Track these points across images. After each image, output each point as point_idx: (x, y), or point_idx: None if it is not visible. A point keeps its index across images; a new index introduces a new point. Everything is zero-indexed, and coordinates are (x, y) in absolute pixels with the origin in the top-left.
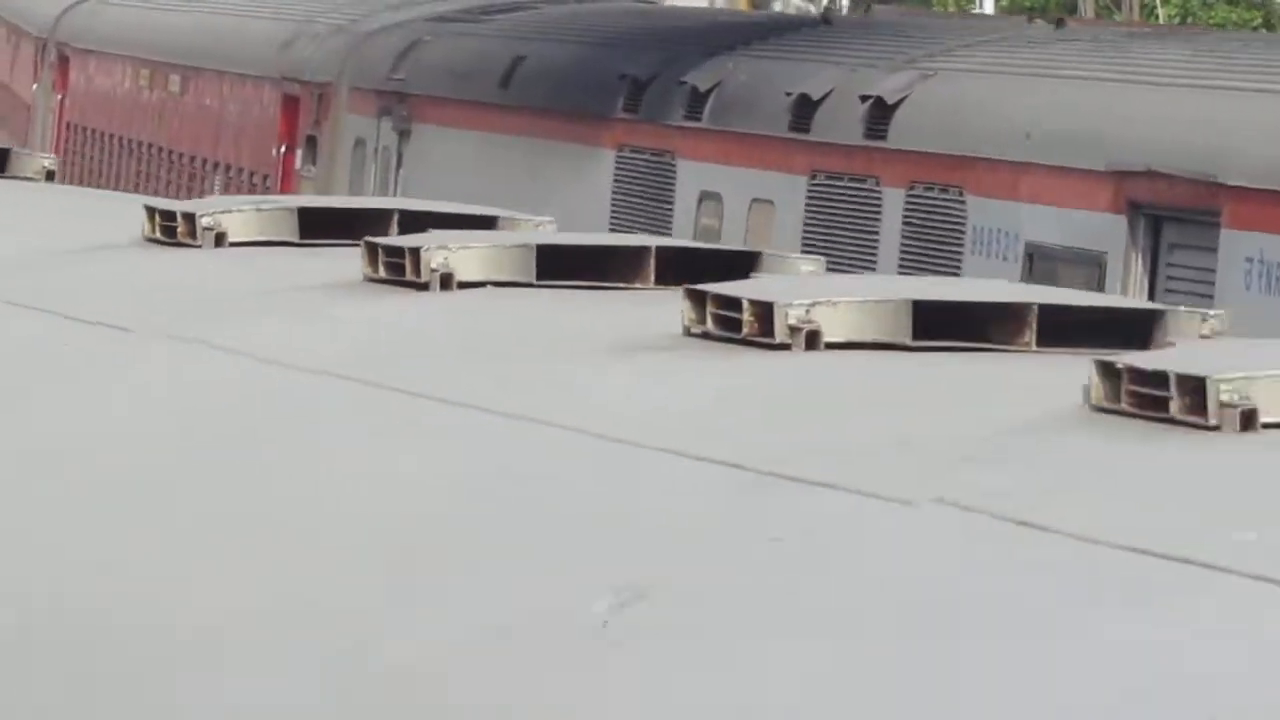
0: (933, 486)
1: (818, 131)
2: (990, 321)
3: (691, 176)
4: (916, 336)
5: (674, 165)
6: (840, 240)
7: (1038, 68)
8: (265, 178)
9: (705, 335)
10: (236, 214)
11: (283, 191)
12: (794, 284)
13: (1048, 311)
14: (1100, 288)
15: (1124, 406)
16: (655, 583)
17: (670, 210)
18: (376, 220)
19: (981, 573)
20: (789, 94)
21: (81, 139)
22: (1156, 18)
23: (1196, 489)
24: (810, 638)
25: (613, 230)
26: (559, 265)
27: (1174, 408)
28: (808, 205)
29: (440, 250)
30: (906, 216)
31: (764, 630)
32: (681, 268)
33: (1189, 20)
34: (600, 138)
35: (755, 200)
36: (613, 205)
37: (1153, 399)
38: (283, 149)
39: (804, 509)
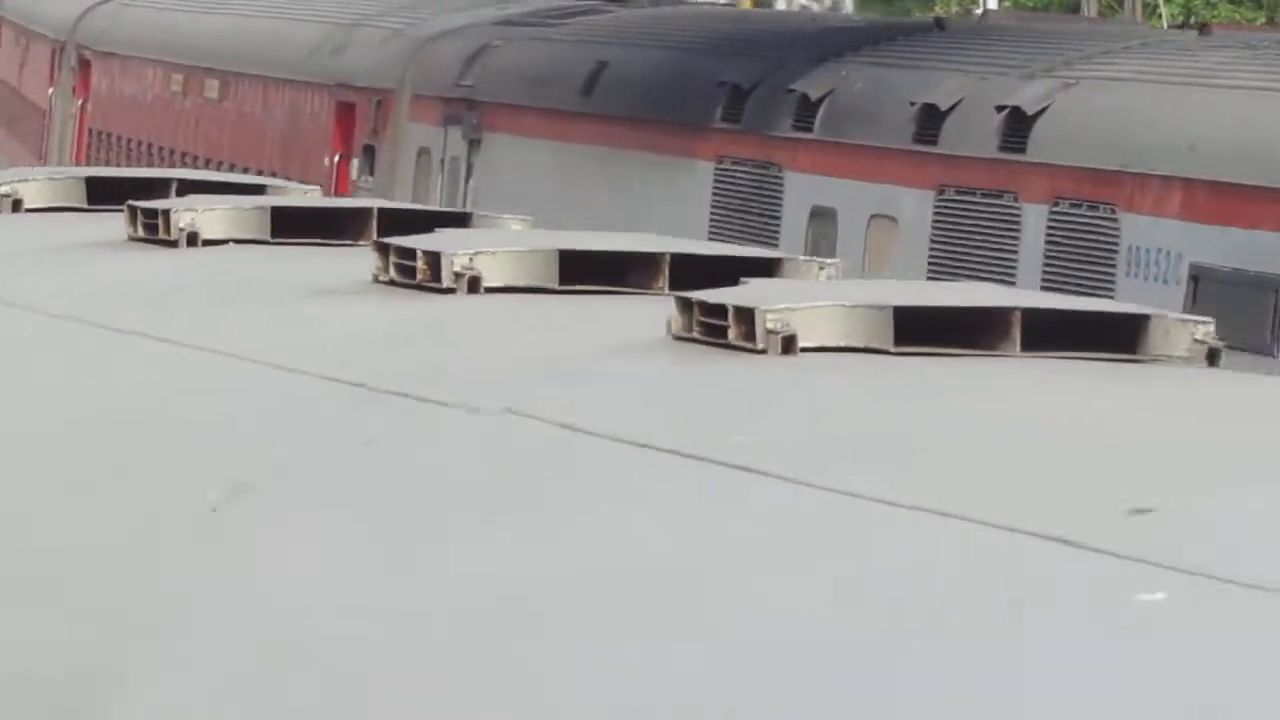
0: (507, 399)
1: (947, 143)
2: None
3: (801, 190)
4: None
5: (781, 178)
6: (973, 258)
7: (1194, 76)
8: (318, 188)
9: (391, 282)
10: (32, 183)
11: None
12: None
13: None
14: (1276, 314)
15: (696, 335)
16: (263, 477)
17: (777, 225)
18: (160, 188)
19: (513, 465)
20: (913, 103)
21: (106, 146)
22: (1159, 17)
23: (724, 401)
24: (379, 522)
25: (710, 239)
26: (293, 226)
27: (731, 335)
28: (935, 221)
29: (188, 212)
30: (1050, 235)
31: (347, 517)
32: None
33: (1192, 19)
34: (696, 148)
35: (875, 216)
36: (711, 219)
37: (718, 328)
38: (337, 158)
39: (399, 419)
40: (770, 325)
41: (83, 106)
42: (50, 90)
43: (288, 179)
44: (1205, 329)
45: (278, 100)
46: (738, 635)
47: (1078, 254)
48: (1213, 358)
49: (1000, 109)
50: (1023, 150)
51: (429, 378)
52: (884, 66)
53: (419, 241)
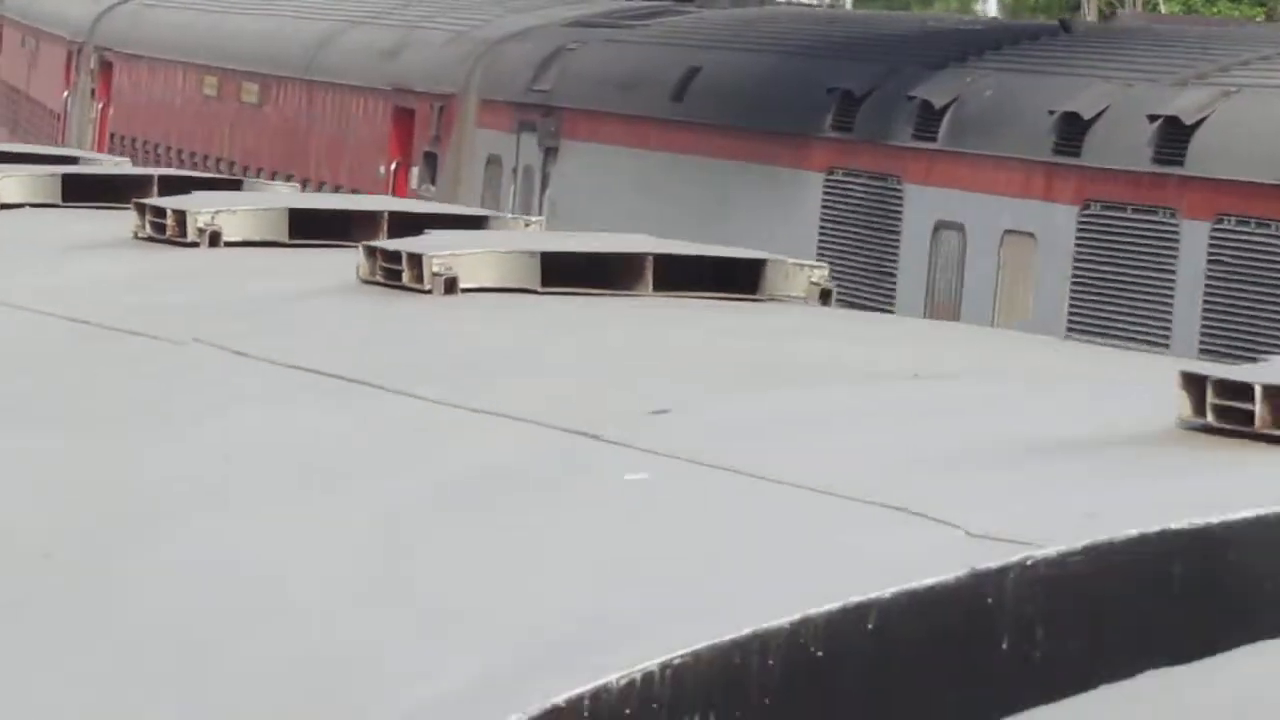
0: (199, 332)
1: (1091, 154)
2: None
3: (924, 203)
4: None
5: (900, 190)
6: (1124, 277)
7: None
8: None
9: (149, 239)
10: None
11: None
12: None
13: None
14: None
15: (378, 279)
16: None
17: (896, 239)
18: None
19: (188, 383)
20: (1051, 112)
21: (129, 151)
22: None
23: (383, 332)
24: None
25: (820, 256)
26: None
27: (405, 278)
28: (1079, 238)
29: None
30: (1213, 253)
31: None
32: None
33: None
34: (803, 158)
35: (1009, 232)
36: (820, 232)
37: (395, 272)
38: (394, 166)
39: (111, 351)
40: (435, 269)
41: (104, 110)
42: (65, 93)
43: (337, 186)
44: (820, 273)
45: (326, 104)
46: (326, 515)
47: (1245, 274)
48: (825, 297)
49: (1153, 118)
50: (1181, 163)
51: (154, 313)
52: (1013, 72)
53: (171, 203)
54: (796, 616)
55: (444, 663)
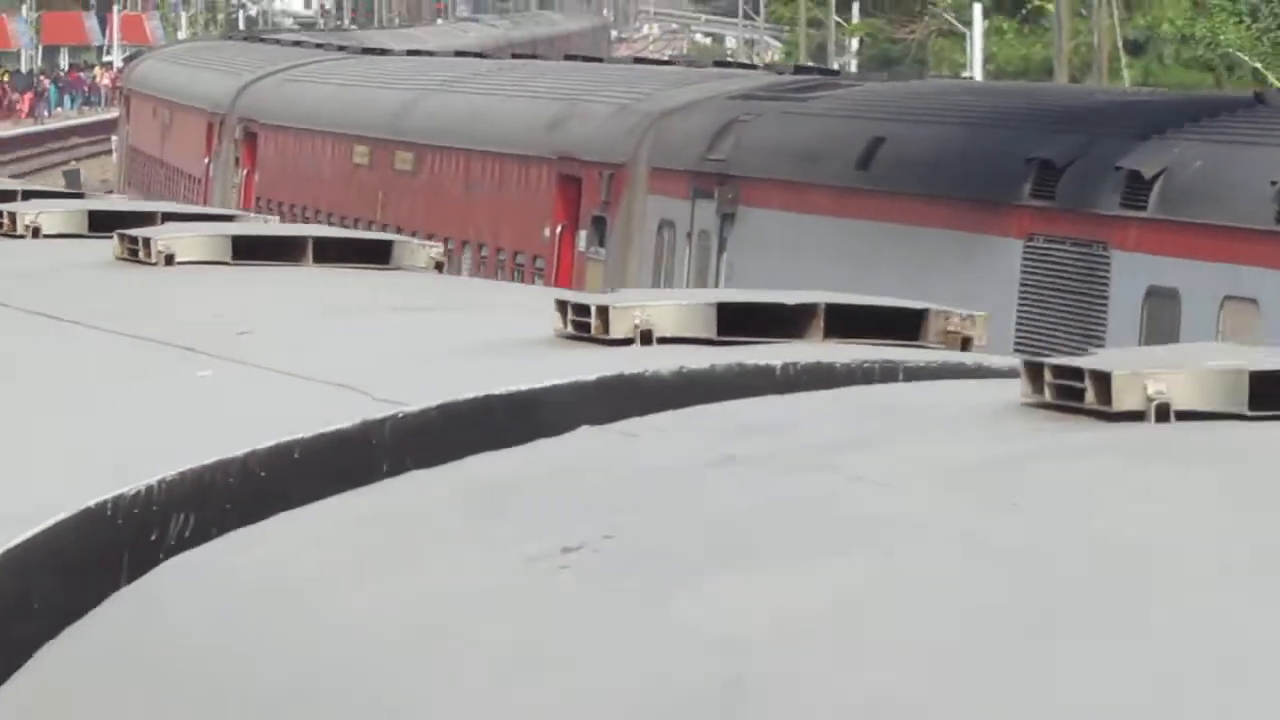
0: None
1: None
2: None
3: (1135, 270)
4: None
5: (1108, 257)
6: None
7: None
8: (535, 258)
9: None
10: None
11: (562, 275)
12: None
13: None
14: None
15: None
16: None
17: (1103, 304)
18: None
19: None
20: (1274, 183)
21: (276, 214)
22: (1123, 80)
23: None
24: None
25: (1020, 319)
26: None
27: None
28: None
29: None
30: None
31: None
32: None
33: (1149, 82)
34: (1001, 225)
35: (1230, 298)
36: (1020, 297)
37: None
38: (559, 229)
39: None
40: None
41: (248, 176)
42: (206, 160)
43: (498, 248)
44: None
45: (486, 171)
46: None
47: None
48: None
49: None
50: None
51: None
52: (1220, 143)
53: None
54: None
55: None
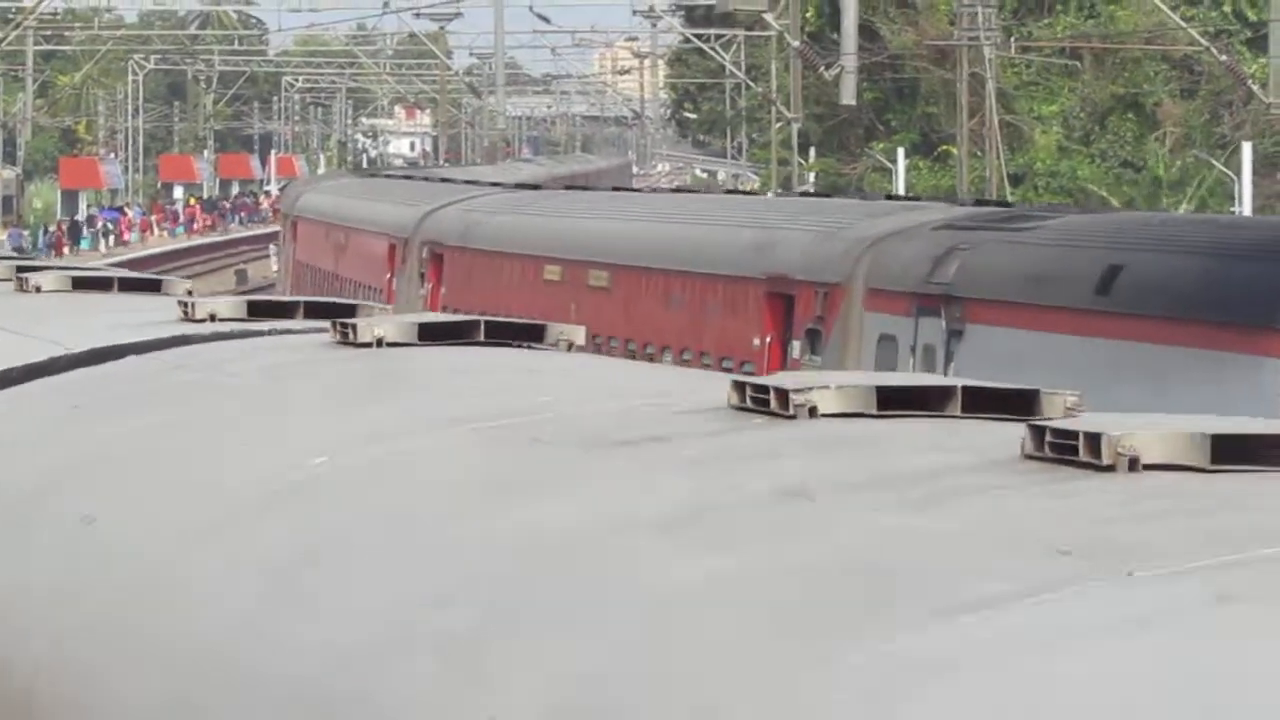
0: None
1: None
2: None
3: None
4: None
5: None
6: None
7: None
8: (743, 363)
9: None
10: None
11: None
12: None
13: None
14: None
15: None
16: None
17: None
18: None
19: None
20: None
21: None
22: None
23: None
24: None
25: None
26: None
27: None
28: None
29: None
30: None
31: None
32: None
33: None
34: (1256, 346)
35: None
36: None
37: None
38: (768, 339)
39: None
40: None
41: (434, 289)
42: (388, 275)
43: (701, 353)
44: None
45: (685, 288)
46: None
47: None
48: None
49: None
50: None
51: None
52: None
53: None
54: None
55: None
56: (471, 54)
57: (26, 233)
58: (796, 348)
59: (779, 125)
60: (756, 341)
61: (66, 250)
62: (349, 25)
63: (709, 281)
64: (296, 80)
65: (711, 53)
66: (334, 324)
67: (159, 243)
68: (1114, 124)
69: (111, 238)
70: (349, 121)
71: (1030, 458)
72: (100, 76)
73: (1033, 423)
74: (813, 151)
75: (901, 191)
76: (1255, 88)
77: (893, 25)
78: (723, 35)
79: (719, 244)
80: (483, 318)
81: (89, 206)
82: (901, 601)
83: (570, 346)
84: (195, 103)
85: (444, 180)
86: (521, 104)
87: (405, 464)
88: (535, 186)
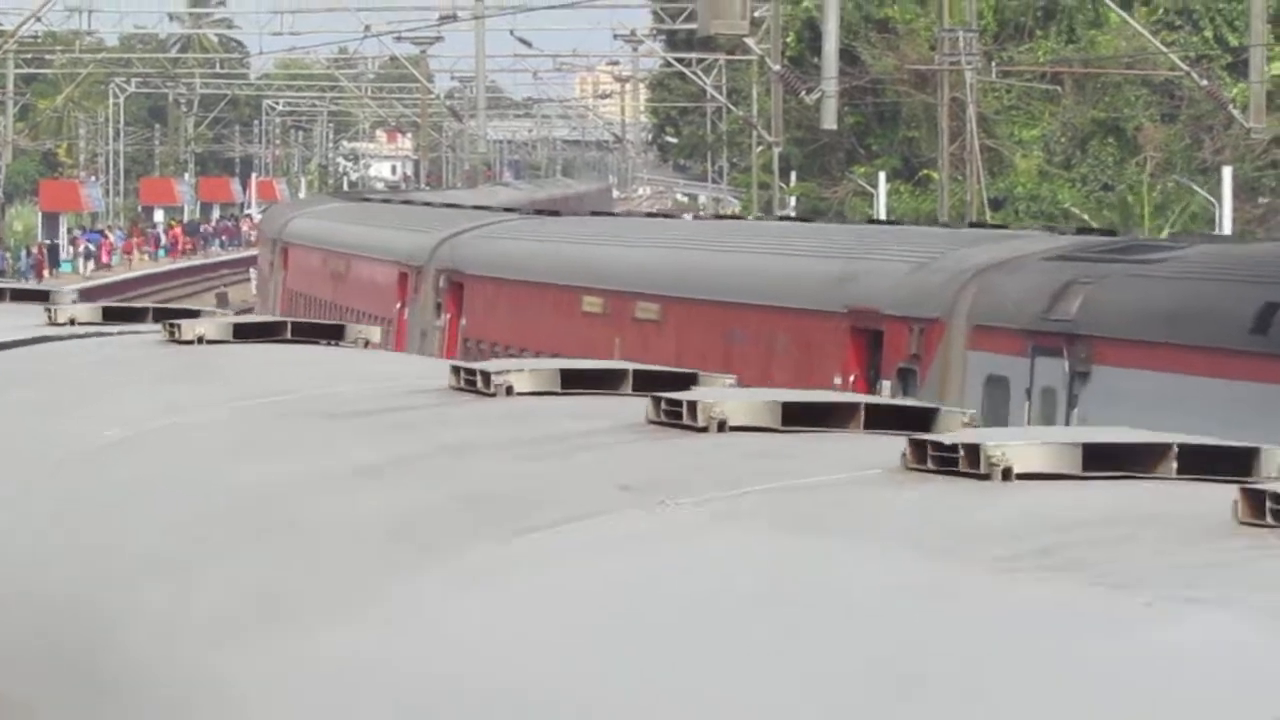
0: None
1: None
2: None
3: None
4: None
5: None
6: None
7: None
8: None
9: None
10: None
11: None
12: None
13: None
14: None
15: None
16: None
17: None
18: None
19: None
20: None
21: (488, 354)
22: None
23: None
24: None
25: None
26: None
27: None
28: None
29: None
30: None
31: None
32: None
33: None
34: None
35: None
36: None
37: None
38: (851, 378)
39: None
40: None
41: (452, 320)
42: (398, 304)
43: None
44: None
45: (752, 321)
46: None
47: None
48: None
49: None
50: None
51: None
52: None
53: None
54: None
55: None
56: (453, 77)
57: (8, 254)
58: (887, 388)
59: (760, 149)
60: (838, 380)
61: (46, 273)
62: (330, 49)
63: (779, 314)
64: (277, 104)
65: (693, 77)
66: (165, 325)
67: (141, 266)
68: (1094, 149)
69: (93, 261)
70: (330, 145)
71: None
72: (81, 99)
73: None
74: (794, 175)
75: (883, 216)
76: (1236, 112)
77: (874, 50)
78: (704, 59)
79: (792, 274)
80: (289, 319)
81: (70, 229)
82: (491, 524)
83: (366, 344)
84: (176, 126)
85: (426, 204)
86: (503, 128)
87: (177, 435)
88: (555, 212)
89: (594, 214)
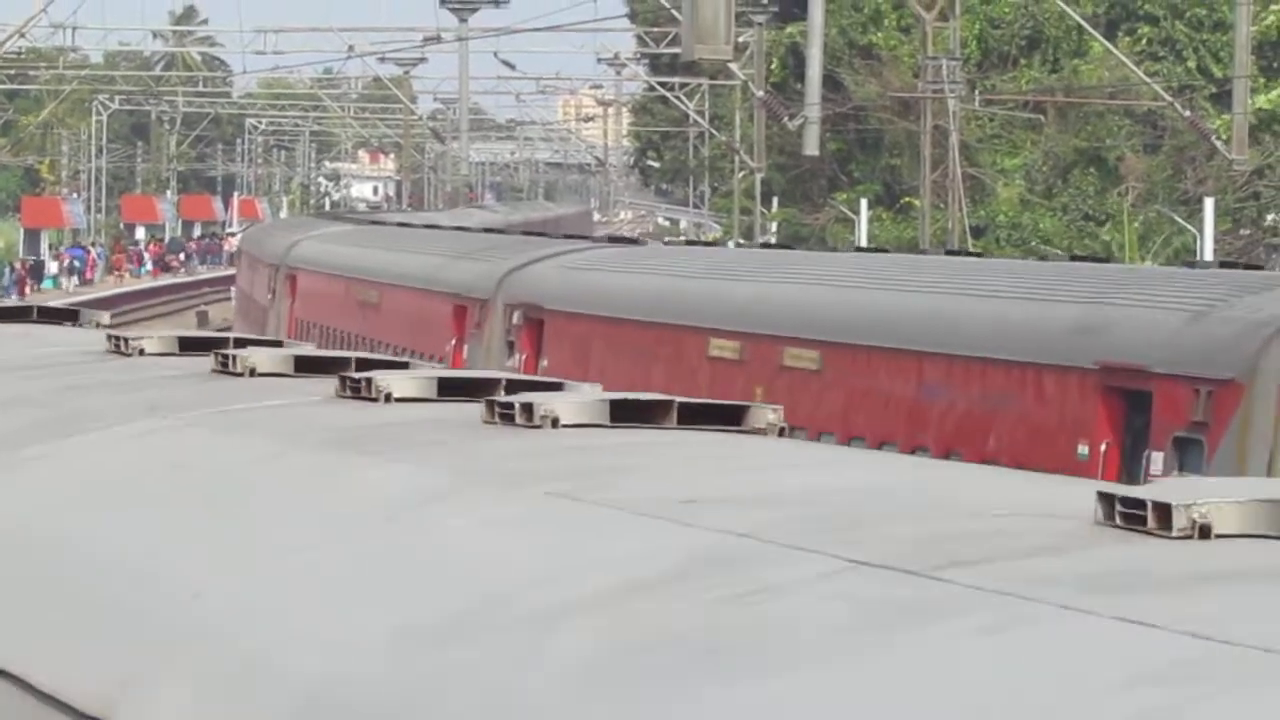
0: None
1: None
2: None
3: None
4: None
5: None
6: None
7: None
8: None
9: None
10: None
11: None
12: None
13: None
14: None
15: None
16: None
17: None
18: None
19: None
20: None
21: None
22: None
23: None
24: None
25: None
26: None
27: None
28: None
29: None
30: None
31: None
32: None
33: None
34: None
35: None
36: None
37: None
38: (1104, 447)
39: None
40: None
41: (528, 360)
42: (453, 341)
43: (983, 459)
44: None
45: (964, 378)
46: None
47: None
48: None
49: None
50: None
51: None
52: None
53: None
54: None
55: None
56: (435, 99)
57: None
58: (1159, 460)
59: (742, 174)
60: (1083, 449)
61: (29, 290)
62: (313, 69)
63: (995, 368)
64: (260, 123)
65: (675, 101)
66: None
67: (127, 283)
68: (1076, 178)
69: (77, 277)
70: (312, 164)
71: None
72: (64, 116)
73: None
74: (775, 201)
75: (864, 243)
76: (1219, 143)
77: (857, 76)
78: (687, 84)
79: (1015, 320)
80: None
81: (53, 245)
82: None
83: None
84: (159, 143)
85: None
86: (485, 149)
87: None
88: (635, 241)
89: (680, 244)
